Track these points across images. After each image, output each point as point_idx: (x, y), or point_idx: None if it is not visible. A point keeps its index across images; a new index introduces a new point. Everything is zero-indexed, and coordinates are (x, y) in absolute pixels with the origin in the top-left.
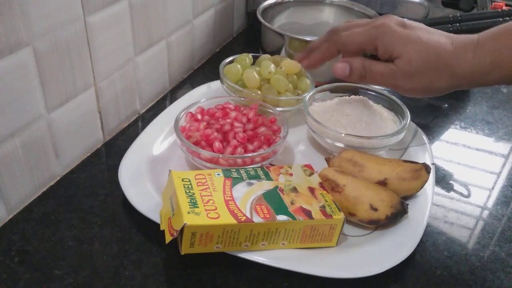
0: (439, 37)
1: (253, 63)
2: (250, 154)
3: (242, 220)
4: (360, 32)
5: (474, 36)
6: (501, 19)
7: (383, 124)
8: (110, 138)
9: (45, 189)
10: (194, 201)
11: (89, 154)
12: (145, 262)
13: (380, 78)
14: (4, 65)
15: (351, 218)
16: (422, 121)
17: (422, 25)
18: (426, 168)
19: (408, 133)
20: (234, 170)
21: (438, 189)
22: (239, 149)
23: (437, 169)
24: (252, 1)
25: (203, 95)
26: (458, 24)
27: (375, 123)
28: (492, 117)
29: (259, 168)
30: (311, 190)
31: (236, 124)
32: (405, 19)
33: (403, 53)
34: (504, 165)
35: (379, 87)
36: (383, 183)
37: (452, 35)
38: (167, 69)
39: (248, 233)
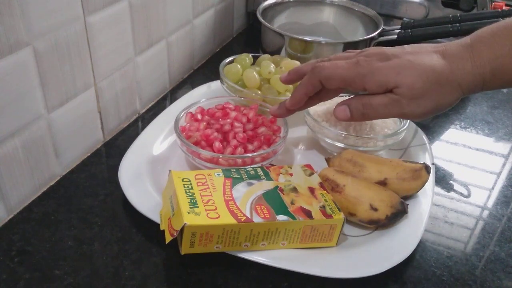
0: (429, 55)
1: (253, 63)
2: (250, 154)
3: (242, 220)
4: (345, 67)
5: (466, 41)
6: (501, 19)
7: (383, 124)
8: (110, 138)
9: (45, 189)
10: (194, 201)
11: (89, 154)
12: (145, 262)
13: (384, 110)
14: (4, 65)
15: (351, 218)
16: (422, 121)
17: (405, 48)
18: (426, 168)
19: (408, 133)
20: (234, 170)
21: (438, 189)
22: (239, 149)
23: (437, 169)
24: (252, 1)
25: (203, 95)
26: (458, 24)
27: (374, 123)
28: (492, 117)
29: (259, 168)
30: (311, 190)
31: (236, 124)
32: (384, 48)
33: (401, 81)
34: (504, 165)
35: None
36: (383, 183)
37: (439, 46)
38: (167, 69)
39: (248, 233)
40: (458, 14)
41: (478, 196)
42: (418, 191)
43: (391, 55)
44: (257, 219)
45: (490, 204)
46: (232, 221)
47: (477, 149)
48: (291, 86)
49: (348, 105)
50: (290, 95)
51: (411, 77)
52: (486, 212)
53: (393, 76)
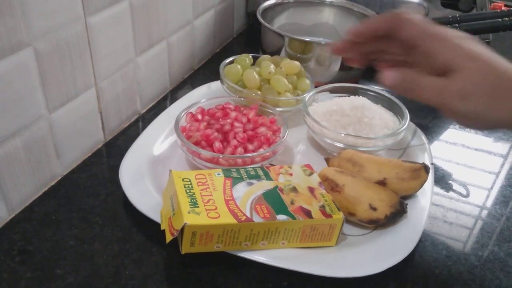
0: (507, 62)
1: (253, 64)
2: (250, 154)
3: (242, 219)
4: (425, 23)
5: None
6: (500, 20)
7: (383, 124)
8: (111, 138)
9: (46, 189)
10: (195, 200)
11: (90, 154)
12: (146, 262)
13: (429, 93)
14: (5, 66)
15: (350, 217)
16: (421, 121)
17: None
18: (425, 168)
19: (407, 133)
20: (234, 170)
21: (437, 189)
22: (239, 149)
23: (436, 169)
24: (252, 2)
25: (203, 95)
26: (457, 25)
27: (374, 123)
28: None
29: (259, 168)
30: (311, 190)
31: (236, 124)
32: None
33: (465, 68)
34: (503, 165)
35: (378, 87)
36: (382, 183)
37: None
38: (167, 69)
39: (248, 232)
40: (458, 15)
41: (477, 196)
42: (417, 191)
43: (471, 40)
44: (257, 218)
45: (489, 203)
46: (232, 220)
47: (476, 149)
48: (290, 86)
49: (400, 74)
50: (289, 95)
51: (476, 69)
52: (485, 212)
53: (462, 58)
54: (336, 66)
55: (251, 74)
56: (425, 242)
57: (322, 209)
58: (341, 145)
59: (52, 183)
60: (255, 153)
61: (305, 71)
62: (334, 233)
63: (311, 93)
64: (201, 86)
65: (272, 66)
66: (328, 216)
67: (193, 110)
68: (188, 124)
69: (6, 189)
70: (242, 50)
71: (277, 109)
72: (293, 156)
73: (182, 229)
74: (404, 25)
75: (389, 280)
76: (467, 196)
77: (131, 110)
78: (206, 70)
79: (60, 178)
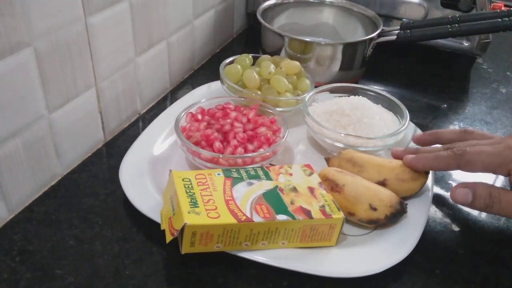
0: None
1: (253, 64)
2: (250, 154)
3: (242, 219)
4: (491, 152)
5: None
6: (500, 20)
7: (383, 124)
8: (111, 138)
9: (46, 189)
10: (195, 200)
11: (90, 154)
12: (146, 262)
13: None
14: (5, 66)
15: (350, 217)
16: (421, 121)
17: None
18: None
19: (408, 133)
20: (234, 170)
21: (438, 189)
22: (239, 149)
23: None
24: (252, 2)
25: (203, 95)
26: (457, 25)
27: (374, 123)
28: (491, 117)
29: (259, 168)
30: (311, 190)
31: (236, 124)
32: None
33: None
34: None
35: (378, 87)
36: (382, 184)
37: None
38: (167, 69)
39: (248, 232)
40: (457, 15)
41: None
42: (417, 192)
43: None
44: (257, 218)
45: None
46: (232, 220)
47: None
48: (290, 86)
49: (473, 191)
50: (289, 95)
51: None
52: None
53: None
54: (336, 66)
55: (251, 74)
56: (425, 242)
57: (322, 209)
58: (341, 145)
59: (52, 183)
60: (255, 153)
61: (305, 71)
62: (334, 233)
63: (311, 93)
64: (201, 86)
65: (272, 66)
66: (328, 216)
67: (193, 110)
68: (188, 124)
69: (6, 189)
70: (242, 50)
71: (277, 109)
72: (293, 156)
73: (182, 229)
74: (467, 163)
75: (389, 280)
76: None
77: (131, 110)
78: (206, 70)
79: (60, 178)
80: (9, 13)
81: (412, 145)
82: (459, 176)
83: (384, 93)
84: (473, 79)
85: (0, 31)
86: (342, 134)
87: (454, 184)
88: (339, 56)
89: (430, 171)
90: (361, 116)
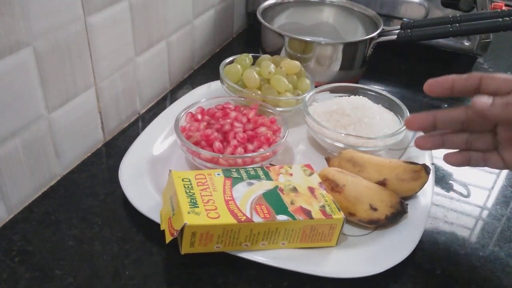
0: None
1: (253, 63)
2: (250, 154)
3: (242, 220)
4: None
5: None
6: (500, 20)
7: (383, 124)
8: (110, 138)
9: (45, 189)
10: (194, 201)
11: (89, 154)
12: (145, 262)
13: None
14: (4, 65)
15: (351, 218)
16: None
17: None
18: (426, 169)
19: (408, 133)
20: (234, 170)
21: (438, 189)
22: (239, 149)
23: (437, 169)
24: (252, 2)
25: (203, 95)
26: (457, 25)
27: (374, 123)
28: None
29: (259, 168)
30: (311, 190)
31: (236, 124)
32: None
33: None
34: None
35: (378, 87)
36: (382, 184)
37: None
38: (167, 69)
39: (248, 232)
40: (458, 15)
41: (478, 196)
42: (417, 192)
43: None
44: (257, 219)
45: (489, 204)
46: (232, 221)
47: None
48: (290, 86)
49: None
50: (289, 95)
51: None
52: (485, 212)
53: None
54: (336, 66)
55: (251, 74)
56: (426, 242)
57: (322, 209)
58: (341, 145)
59: (52, 183)
60: (255, 153)
61: (305, 71)
62: (334, 234)
63: (311, 93)
64: (201, 86)
65: (272, 66)
66: (328, 216)
67: (193, 110)
68: (188, 124)
69: (5, 189)
70: (242, 50)
71: (277, 109)
72: (293, 156)
73: (182, 229)
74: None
75: (389, 281)
76: (467, 196)
77: (130, 110)
78: (206, 70)
79: (59, 178)
80: (8, 13)
81: (412, 146)
82: (459, 175)
83: (384, 93)
84: None
85: None
86: (343, 134)
87: (454, 184)
88: (339, 55)
89: (430, 171)
90: (361, 116)
